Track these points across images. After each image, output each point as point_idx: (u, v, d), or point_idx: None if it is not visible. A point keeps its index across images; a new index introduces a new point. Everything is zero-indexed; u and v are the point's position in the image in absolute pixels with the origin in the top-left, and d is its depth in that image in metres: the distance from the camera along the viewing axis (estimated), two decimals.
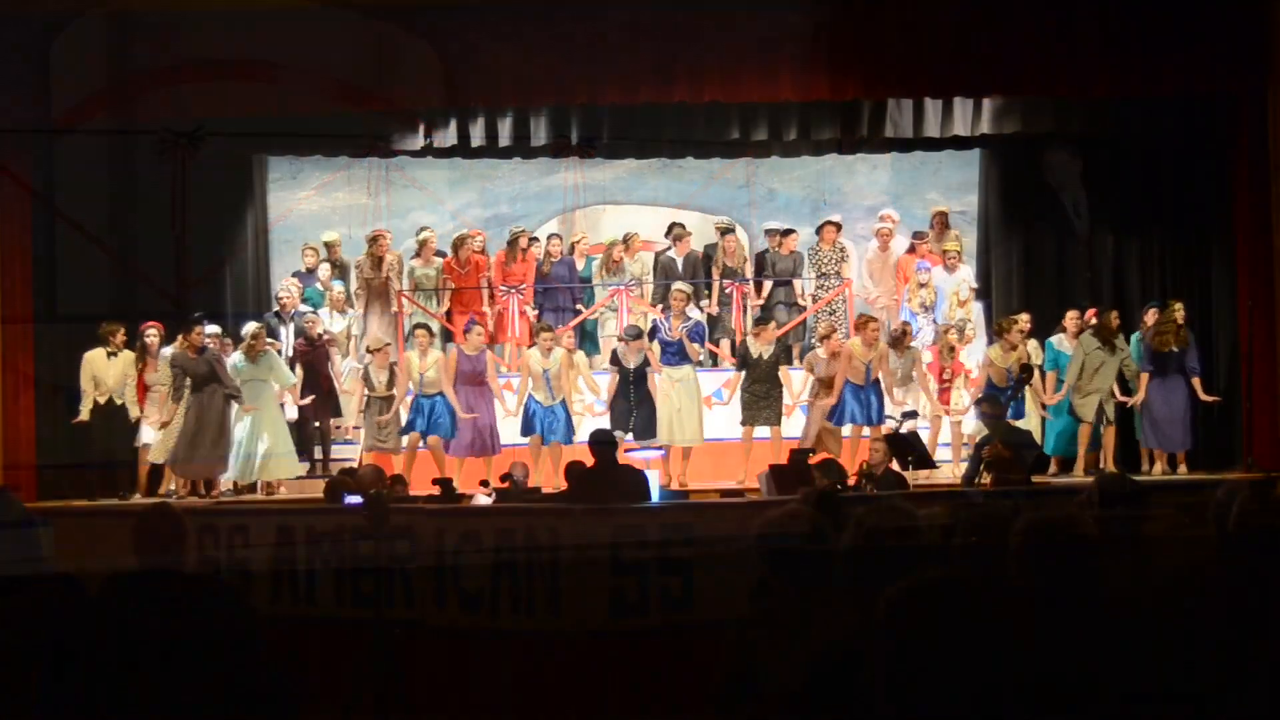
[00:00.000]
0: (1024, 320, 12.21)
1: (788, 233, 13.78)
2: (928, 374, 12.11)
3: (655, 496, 9.40)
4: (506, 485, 10.18)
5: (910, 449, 10.39)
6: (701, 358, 12.39)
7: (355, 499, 8.61)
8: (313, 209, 15.36)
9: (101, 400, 11.78)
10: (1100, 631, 2.98)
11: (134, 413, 11.89)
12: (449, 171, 15.31)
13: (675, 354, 12.01)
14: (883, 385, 11.84)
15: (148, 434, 12.00)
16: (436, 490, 10.12)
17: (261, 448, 11.75)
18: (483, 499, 10.11)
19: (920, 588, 2.47)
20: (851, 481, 9.85)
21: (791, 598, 3.54)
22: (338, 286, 13.34)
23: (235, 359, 11.88)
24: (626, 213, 15.15)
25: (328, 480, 10.62)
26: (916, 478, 10.43)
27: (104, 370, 11.81)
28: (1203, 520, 4.18)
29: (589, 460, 9.12)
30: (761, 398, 11.99)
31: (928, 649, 2.40)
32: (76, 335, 12.49)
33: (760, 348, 12.03)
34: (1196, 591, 3.65)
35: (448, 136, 13.42)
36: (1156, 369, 11.87)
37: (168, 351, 11.96)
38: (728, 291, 13.59)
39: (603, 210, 15.33)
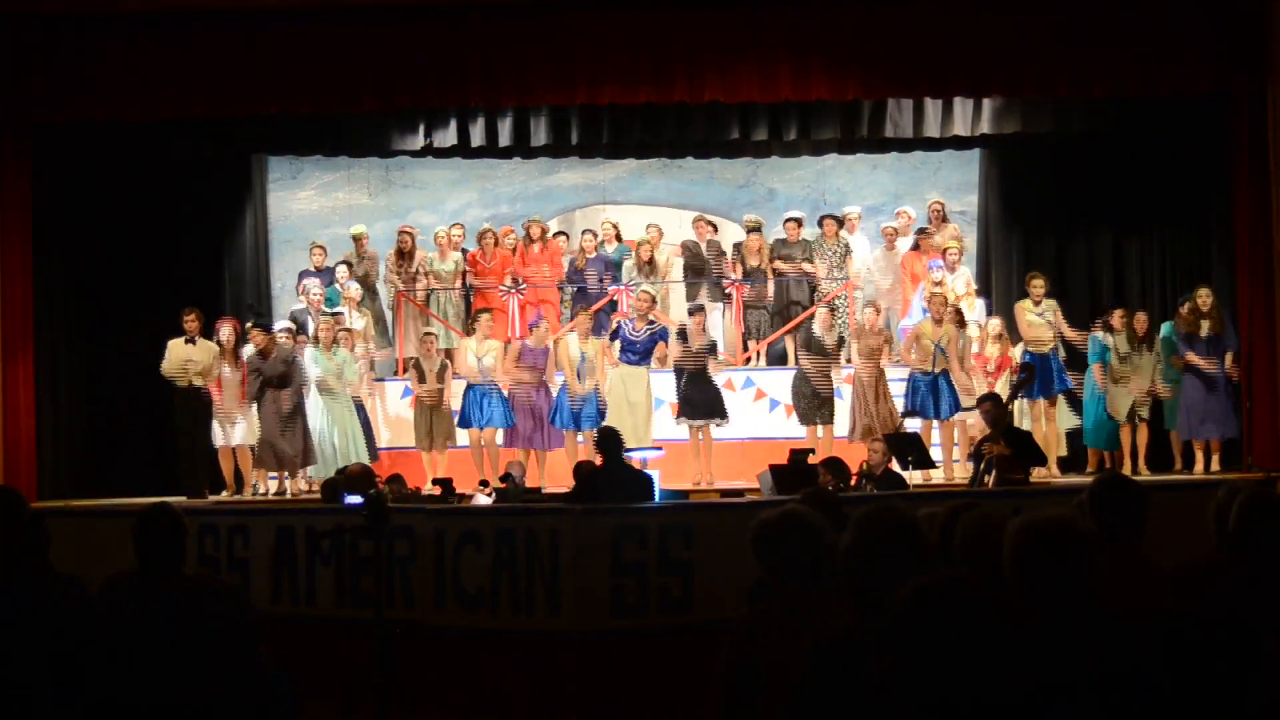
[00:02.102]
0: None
1: (795, 221, 13.76)
2: (974, 365, 12.13)
3: (656, 496, 9.39)
4: (506, 485, 10.18)
5: (910, 449, 10.39)
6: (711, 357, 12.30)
7: (355, 499, 8.60)
8: (313, 209, 15.38)
9: (183, 384, 11.77)
10: (1096, 632, 2.97)
11: (216, 397, 11.88)
12: (449, 171, 15.32)
13: (637, 354, 12.06)
14: (951, 373, 11.68)
15: (221, 432, 12.03)
16: (436, 490, 10.13)
17: (338, 442, 11.77)
18: (483, 499, 10.11)
19: (931, 588, 2.45)
20: (852, 482, 9.86)
21: (790, 598, 3.53)
22: (353, 288, 13.29)
23: (313, 353, 11.90)
24: (626, 213, 15.15)
25: (326, 480, 10.62)
26: (914, 478, 10.43)
27: (182, 355, 11.79)
28: (1203, 521, 4.17)
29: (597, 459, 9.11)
30: (811, 396, 12.00)
31: (939, 649, 2.38)
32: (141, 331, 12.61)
33: (824, 334, 12.00)
34: (1196, 592, 3.65)
35: (448, 136, 13.42)
36: (1194, 351, 11.82)
37: (249, 350, 12.02)
38: (728, 291, 13.59)
39: (603, 210, 15.33)
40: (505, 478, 10.50)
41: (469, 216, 15.16)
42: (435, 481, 10.45)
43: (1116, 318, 12.15)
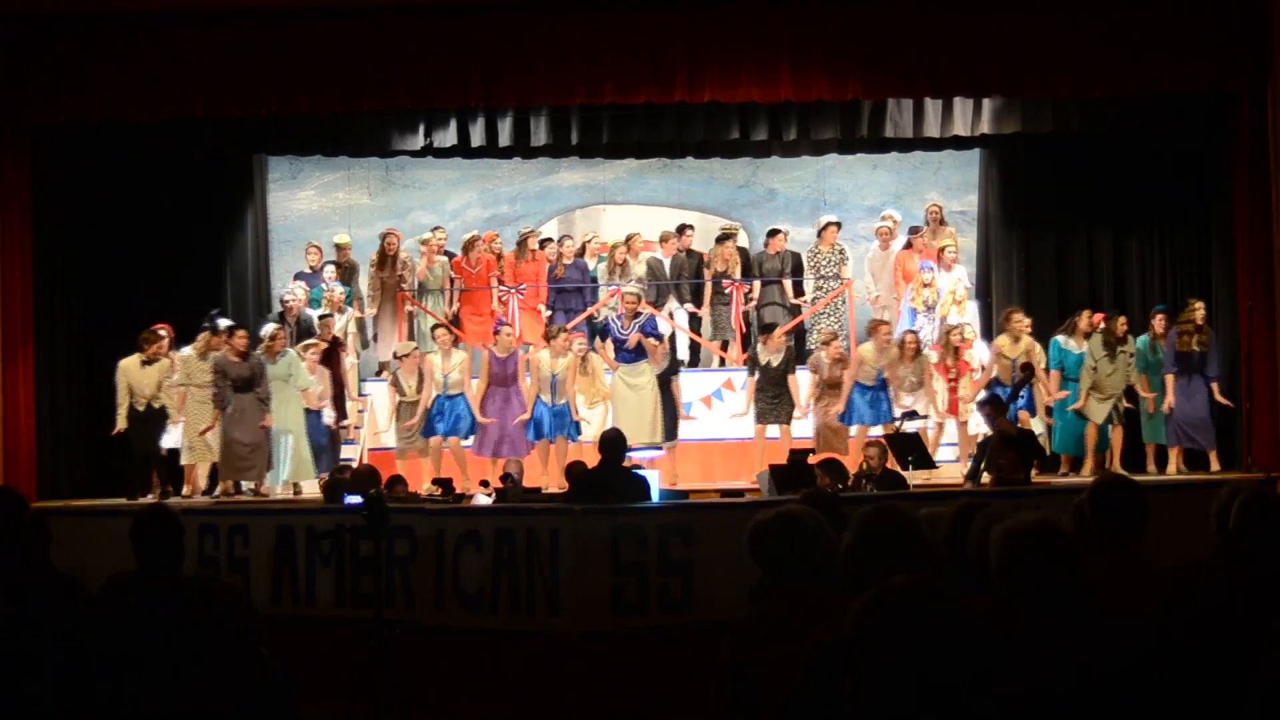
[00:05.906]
0: (1021, 314, 12.21)
1: (774, 233, 13.82)
2: (936, 374, 12.10)
3: (655, 496, 9.39)
4: (506, 485, 10.19)
5: (910, 449, 10.39)
6: (661, 356, 12.32)
7: (355, 499, 8.60)
8: (313, 209, 15.38)
9: (140, 408, 11.71)
10: (1088, 632, 2.97)
11: (176, 417, 11.86)
12: (449, 171, 15.33)
13: (631, 353, 12.06)
14: (890, 387, 11.93)
15: (171, 437, 11.98)
16: (437, 490, 10.13)
17: (287, 450, 11.71)
18: (483, 499, 10.11)
19: (885, 597, 2.42)
20: (851, 482, 9.85)
21: (790, 598, 3.53)
22: (339, 289, 13.32)
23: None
24: (627, 213, 15.16)
25: (326, 480, 10.62)
26: (915, 478, 10.42)
27: (139, 378, 11.72)
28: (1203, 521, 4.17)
29: (589, 460, 9.09)
30: (771, 399, 12.08)
31: (894, 659, 2.35)
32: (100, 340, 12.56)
33: (769, 355, 12.07)
34: (1195, 592, 3.64)
35: (448, 136, 13.42)
36: (1180, 369, 11.87)
37: (187, 351, 11.92)
38: (727, 291, 13.62)
39: (603, 210, 15.34)
40: (505, 478, 10.50)
41: (469, 216, 15.18)
42: (435, 481, 10.45)
43: (1085, 321, 12.12)
